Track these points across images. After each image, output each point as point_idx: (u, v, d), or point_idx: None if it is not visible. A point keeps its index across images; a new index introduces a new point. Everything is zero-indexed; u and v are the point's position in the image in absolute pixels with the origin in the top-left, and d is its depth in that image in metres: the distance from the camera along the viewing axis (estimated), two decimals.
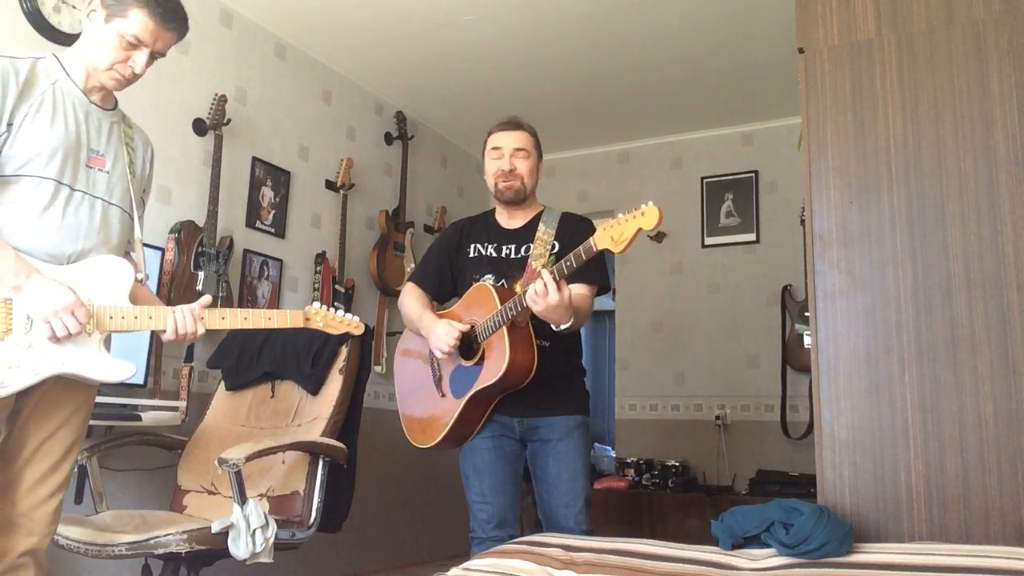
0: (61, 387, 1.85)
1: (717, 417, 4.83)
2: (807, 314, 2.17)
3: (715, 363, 4.93)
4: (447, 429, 2.28)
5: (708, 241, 5.09)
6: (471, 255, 2.46)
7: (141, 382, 3.02)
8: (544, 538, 1.81)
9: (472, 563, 1.60)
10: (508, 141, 2.44)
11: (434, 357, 2.37)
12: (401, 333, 4.69)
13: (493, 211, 2.54)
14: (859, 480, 1.92)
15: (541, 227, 2.40)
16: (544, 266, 2.22)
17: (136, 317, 1.87)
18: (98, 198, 1.89)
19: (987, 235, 1.90)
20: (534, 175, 2.45)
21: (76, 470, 2.73)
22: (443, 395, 2.34)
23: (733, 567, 1.53)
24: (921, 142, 2.01)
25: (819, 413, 1.99)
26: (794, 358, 4.60)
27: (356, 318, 2.16)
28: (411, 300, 2.49)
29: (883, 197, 2.02)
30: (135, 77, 1.90)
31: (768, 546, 1.61)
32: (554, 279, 1.99)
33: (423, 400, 2.41)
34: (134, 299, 1.92)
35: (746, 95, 4.66)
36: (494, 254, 2.44)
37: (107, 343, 1.89)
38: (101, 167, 1.91)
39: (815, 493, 2.01)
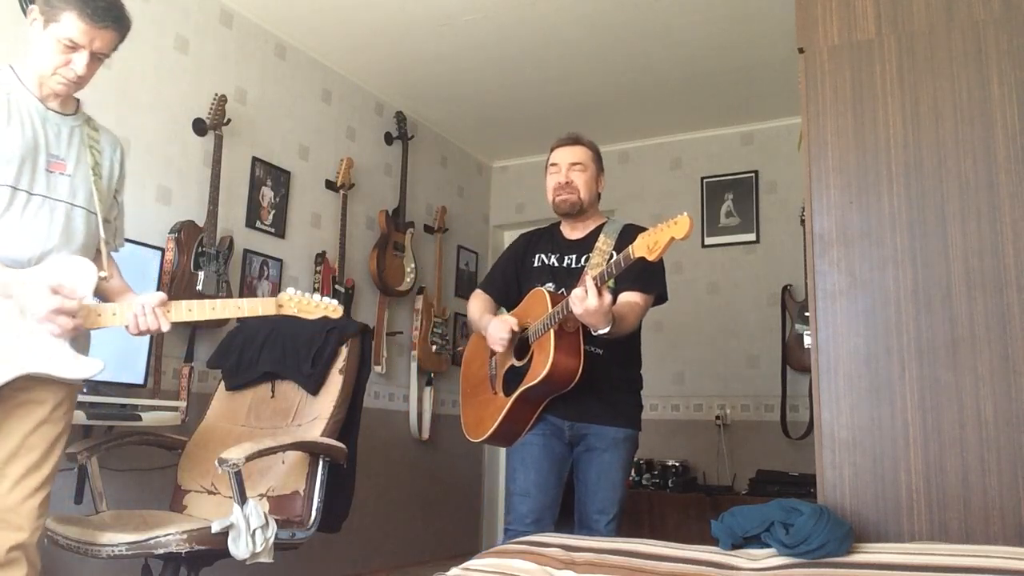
0: (38, 384, 1.89)
1: (717, 417, 4.82)
2: (807, 314, 2.17)
3: (715, 363, 4.93)
4: (495, 425, 2.36)
5: (708, 241, 5.09)
6: (535, 265, 2.55)
7: (141, 382, 3.02)
8: (544, 538, 1.81)
9: (472, 563, 1.60)
10: (565, 156, 2.52)
11: (492, 356, 2.47)
12: (400, 333, 4.72)
13: (559, 223, 2.61)
14: (859, 480, 1.92)
15: (602, 238, 2.46)
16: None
17: (99, 315, 1.92)
18: (60, 201, 1.93)
19: (987, 235, 1.90)
20: (591, 188, 2.51)
21: (76, 470, 2.73)
22: (495, 393, 2.42)
23: (733, 567, 1.53)
24: (921, 142, 2.01)
25: (819, 413, 1.99)
26: (794, 358, 4.60)
27: (334, 301, 2.14)
28: (476, 305, 2.61)
29: (883, 197, 2.02)
30: (80, 79, 1.93)
31: (768, 546, 1.61)
32: (595, 285, 2.05)
33: (480, 396, 2.51)
34: (105, 296, 1.98)
35: (746, 95, 4.66)
36: (556, 264, 2.51)
37: (78, 341, 1.92)
38: (62, 171, 1.94)
39: (815, 493, 2.01)
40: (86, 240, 1.99)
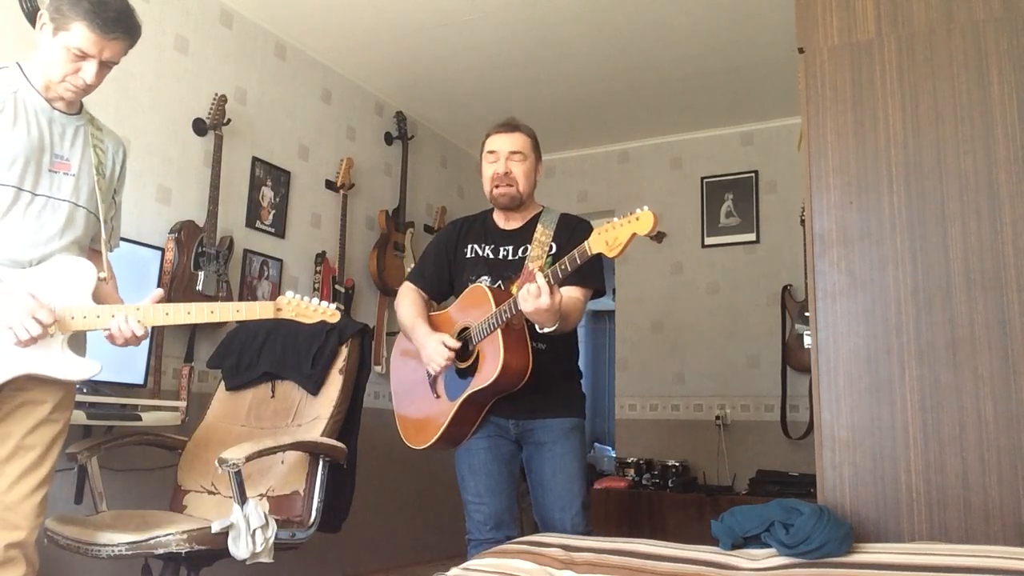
0: (36, 385, 1.89)
1: (717, 417, 4.83)
2: (807, 314, 2.17)
3: (715, 363, 4.93)
4: (441, 431, 2.27)
5: (708, 241, 5.09)
6: (468, 256, 2.44)
7: (141, 382, 3.02)
8: (544, 538, 1.81)
9: (472, 563, 1.60)
10: (504, 144, 2.39)
11: None
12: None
13: (491, 211, 2.50)
14: (859, 480, 1.92)
15: (539, 228, 2.37)
16: (540, 268, 2.20)
17: (99, 316, 1.90)
18: (63, 201, 1.93)
19: (987, 235, 1.90)
20: (531, 178, 2.40)
21: (76, 470, 2.73)
22: (437, 396, 2.33)
23: (733, 567, 1.53)
24: (921, 142, 2.01)
25: (819, 413, 1.99)
26: (794, 358, 4.60)
27: (332, 306, 2.12)
28: (406, 304, 2.46)
29: (883, 197, 2.02)
30: (89, 87, 1.92)
31: (768, 546, 1.61)
32: (548, 283, 1.97)
33: (418, 401, 2.40)
34: (100, 298, 1.96)
35: (746, 95, 4.66)
36: (491, 255, 2.41)
37: (76, 343, 1.92)
38: (66, 171, 1.94)
39: (815, 493, 2.01)
40: (85, 240, 2.00)
